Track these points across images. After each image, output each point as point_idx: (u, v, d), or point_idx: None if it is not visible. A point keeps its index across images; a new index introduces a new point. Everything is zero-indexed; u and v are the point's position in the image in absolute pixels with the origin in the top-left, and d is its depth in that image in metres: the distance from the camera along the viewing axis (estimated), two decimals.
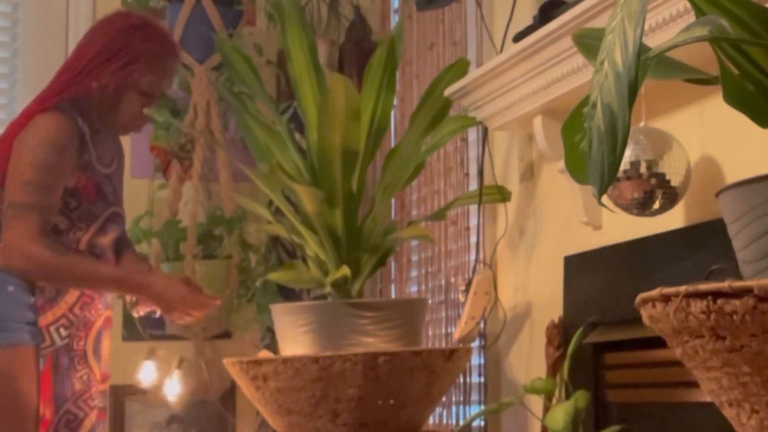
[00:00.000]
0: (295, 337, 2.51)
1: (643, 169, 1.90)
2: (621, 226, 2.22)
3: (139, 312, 2.60)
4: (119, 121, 2.55)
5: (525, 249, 2.76)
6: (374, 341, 2.48)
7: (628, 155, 1.90)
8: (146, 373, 2.88)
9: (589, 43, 1.43)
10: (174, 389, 2.64)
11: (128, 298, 2.63)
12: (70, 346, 2.48)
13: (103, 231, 2.52)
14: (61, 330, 2.46)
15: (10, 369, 2.37)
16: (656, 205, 1.93)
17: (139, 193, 3.57)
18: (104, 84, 2.48)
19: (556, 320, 2.44)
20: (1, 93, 3.57)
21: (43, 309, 2.44)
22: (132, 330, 3.60)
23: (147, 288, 2.49)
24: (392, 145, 3.32)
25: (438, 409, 3.13)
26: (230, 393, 3.71)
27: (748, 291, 0.99)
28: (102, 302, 2.57)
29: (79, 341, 2.50)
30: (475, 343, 2.86)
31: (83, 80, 2.48)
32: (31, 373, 2.39)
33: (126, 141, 3.70)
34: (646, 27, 1.81)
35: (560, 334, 2.41)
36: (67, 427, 2.46)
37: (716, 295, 1.01)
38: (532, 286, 2.72)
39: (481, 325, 2.82)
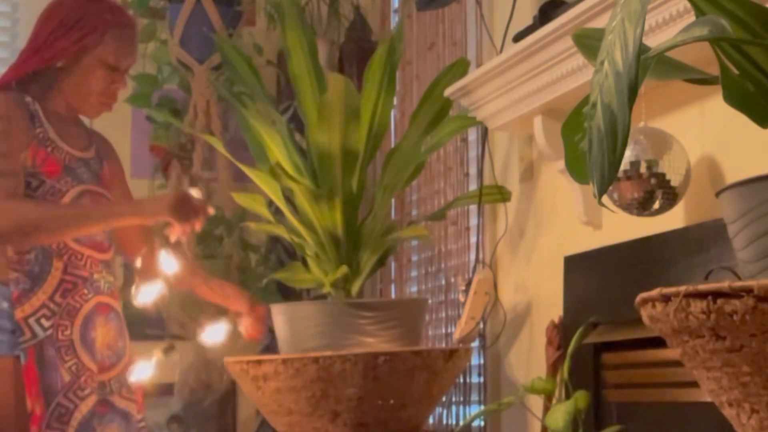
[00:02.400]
0: (295, 337, 2.51)
1: (643, 169, 1.90)
2: (621, 226, 2.21)
3: (173, 240, 2.48)
4: (88, 99, 2.52)
5: (525, 249, 2.76)
6: (374, 341, 2.47)
7: (628, 155, 1.90)
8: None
9: (589, 43, 1.42)
10: (170, 264, 2.53)
11: (175, 233, 2.48)
12: (54, 337, 2.37)
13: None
14: (43, 321, 2.37)
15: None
16: (656, 205, 1.93)
17: (139, 193, 3.56)
18: (65, 58, 2.46)
19: (556, 320, 2.44)
20: None
21: (19, 301, 2.35)
22: (133, 329, 3.60)
23: (140, 208, 2.45)
24: (392, 145, 3.32)
25: (438, 409, 3.13)
26: (230, 393, 3.71)
27: (748, 291, 0.99)
28: (89, 287, 2.47)
29: (65, 330, 2.39)
30: (475, 343, 2.86)
31: (40, 57, 2.45)
32: (4, 384, 2.31)
33: (126, 141, 3.72)
34: (646, 27, 1.81)
35: (560, 334, 2.41)
36: (59, 421, 2.36)
37: (716, 295, 1.01)
38: (532, 286, 2.72)
39: (481, 325, 2.82)
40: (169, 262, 2.49)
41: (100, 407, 2.44)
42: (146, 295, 2.50)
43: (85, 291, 2.45)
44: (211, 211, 2.51)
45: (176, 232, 2.44)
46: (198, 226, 2.46)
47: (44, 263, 2.40)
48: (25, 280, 2.37)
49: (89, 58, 2.47)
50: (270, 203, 2.96)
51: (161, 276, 2.48)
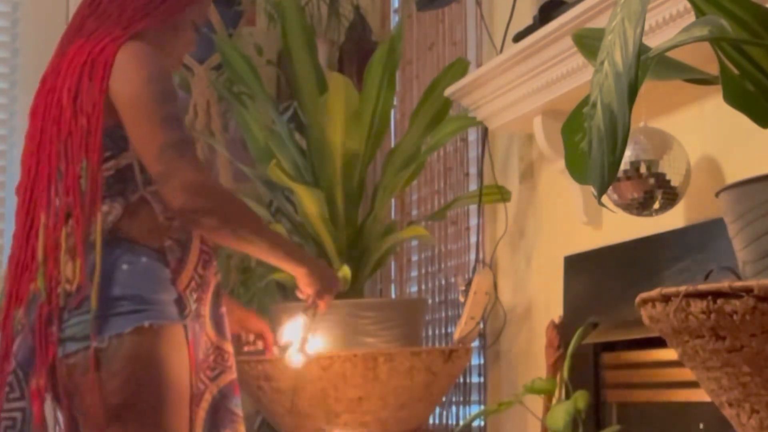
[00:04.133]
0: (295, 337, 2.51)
1: (643, 169, 1.90)
2: (621, 226, 2.22)
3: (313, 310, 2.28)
4: (168, 59, 2.20)
5: (525, 249, 2.76)
6: (374, 341, 2.48)
7: (628, 155, 1.90)
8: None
9: (589, 43, 1.42)
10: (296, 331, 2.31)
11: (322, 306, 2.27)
12: (198, 311, 2.07)
13: None
14: (193, 294, 2.07)
15: (158, 351, 1.96)
16: (656, 205, 1.93)
17: None
18: (177, 17, 2.17)
19: (556, 320, 2.44)
20: (1, 93, 3.57)
21: (176, 271, 2.05)
22: None
23: (310, 262, 2.19)
24: (392, 145, 3.32)
25: (438, 409, 3.13)
26: None
27: (748, 291, 0.99)
28: (216, 260, 2.19)
29: (203, 305, 2.10)
30: (475, 343, 2.86)
31: (155, 17, 2.14)
32: (181, 354, 1.99)
33: None
34: (646, 27, 1.81)
35: (560, 334, 2.41)
36: (191, 402, 2.06)
37: (716, 295, 1.01)
38: (532, 286, 2.72)
39: (481, 325, 2.82)
40: (297, 328, 2.34)
41: (236, 388, 2.16)
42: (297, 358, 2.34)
43: (215, 263, 2.17)
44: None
45: (323, 305, 2.27)
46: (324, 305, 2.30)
47: (187, 231, 2.10)
48: (177, 249, 2.07)
49: (182, 18, 2.18)
50: (270, 203, 2.97)
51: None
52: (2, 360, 2.00)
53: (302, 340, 2.29)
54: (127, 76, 2.03)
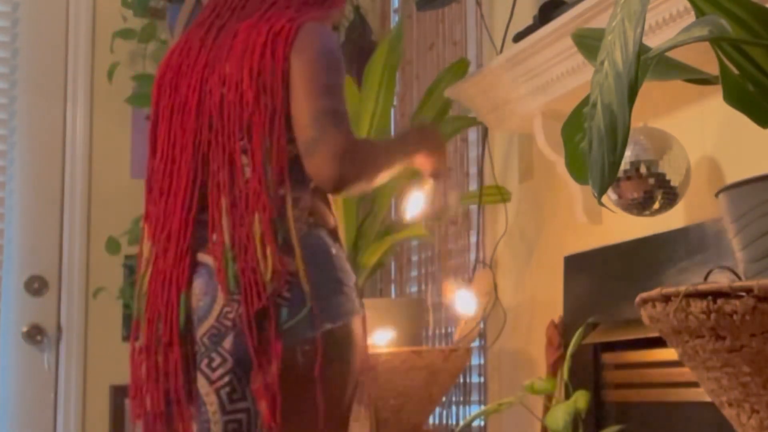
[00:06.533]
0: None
1: (643, 169, 1.90)
2: (621, 226, 2.22)
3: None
4: None
5: (525, 249, 2.76)
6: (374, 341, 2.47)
7: (628, 155, 1.90)
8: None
9: (589, 43, 1.42)
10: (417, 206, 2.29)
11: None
12: None
13: None
14: None
15: (363, 342, 1.94)
16: (656, 205, 1.94)
17: (139, 193, 3.55)
18: (331, 12, 2.12)
19: (556, 320, 2.44)
20: (1, 93, 3.57)
21: None
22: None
23: (423, 144, 2.10)
24: None
25: (438, 409, 3.13)
26: None
27: (748, 291, 0.99)
28: None
29: None
30: (475, 343, 2.86)
31: (324, 9, 2.09)
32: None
33: (126, 141, 3.71)
34: (646, 27, 1.81)
35: (560, 334, 2.41)
36: None
37: (716, 295, 1.01)
38: (532, 286, 2.72)
39: (481, 325, 2.82)
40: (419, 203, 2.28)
41: None
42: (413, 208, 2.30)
43: None
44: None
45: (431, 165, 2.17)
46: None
47: None
48: None
49: (332, 14, 2.13)
50: None
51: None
52: (167, 347, 1.90)
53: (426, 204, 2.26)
54: (303, 48, 1.93)
